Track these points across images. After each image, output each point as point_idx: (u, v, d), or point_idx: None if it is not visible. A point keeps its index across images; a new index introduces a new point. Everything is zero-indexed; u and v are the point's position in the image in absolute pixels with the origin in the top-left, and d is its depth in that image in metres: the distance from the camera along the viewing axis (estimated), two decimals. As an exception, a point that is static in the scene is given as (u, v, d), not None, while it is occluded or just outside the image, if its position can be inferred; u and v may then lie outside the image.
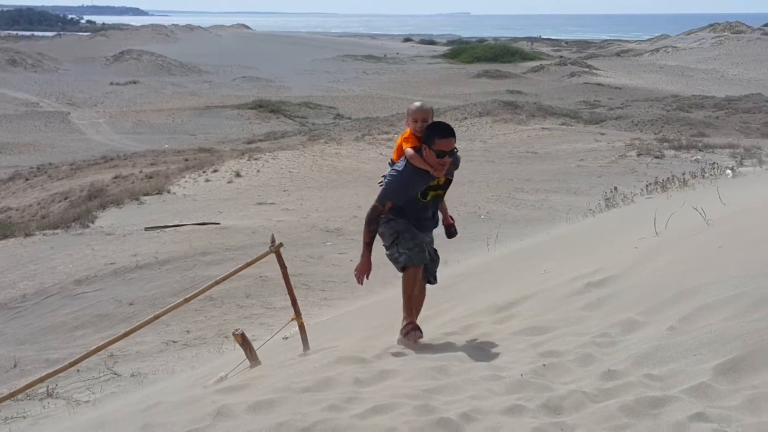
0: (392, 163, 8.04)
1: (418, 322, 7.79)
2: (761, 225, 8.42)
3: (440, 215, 8.28)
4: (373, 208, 7.72)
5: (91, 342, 12.32)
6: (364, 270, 7.90)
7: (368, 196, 24.44)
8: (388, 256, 7.89)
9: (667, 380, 5.49)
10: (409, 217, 7.84)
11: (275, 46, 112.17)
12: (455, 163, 7.84)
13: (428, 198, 7.83)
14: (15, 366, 12.92)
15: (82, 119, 56.11)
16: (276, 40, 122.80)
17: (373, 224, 7.76)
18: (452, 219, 8.41)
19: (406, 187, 7.69)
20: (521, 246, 12.35)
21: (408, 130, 7.90)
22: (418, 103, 8.08)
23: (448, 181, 7.93)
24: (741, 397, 5.03)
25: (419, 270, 7.81)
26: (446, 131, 7.55)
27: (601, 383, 5.65)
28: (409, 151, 7.62)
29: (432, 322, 8.74)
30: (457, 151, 7.69)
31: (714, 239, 8.52)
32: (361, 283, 7.97)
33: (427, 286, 8.28)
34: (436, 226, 8.14)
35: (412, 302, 7.87)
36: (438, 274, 8.32)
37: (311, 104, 62.42)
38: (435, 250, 8.21)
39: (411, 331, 7.58)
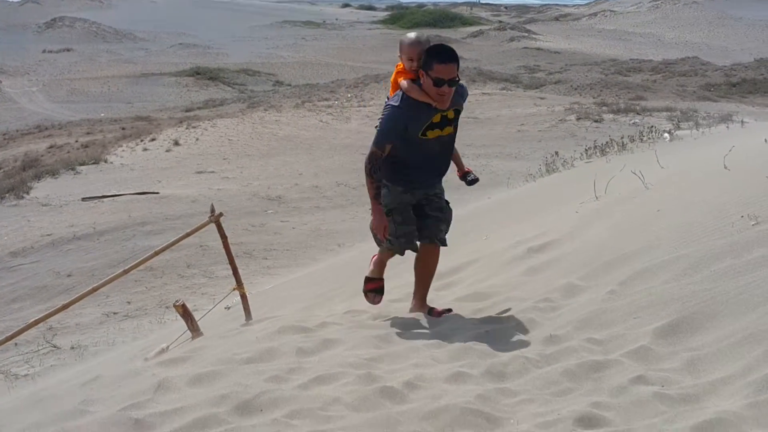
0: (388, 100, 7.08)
1: (433, 293, 7.46)
2: (698, 188, 8.50)
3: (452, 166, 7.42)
4: (371, 155, 6.84)
5: (29, 315, 12.18)
6: (380, 227, 6.94)
7: (309, 163, 24.57)
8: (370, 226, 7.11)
9: (607, 344, 5.54)
10: (406, 170, 6.97)
11: (213, 12, 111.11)
12: (462, 95, 7.01)
13: (429, 136, 6.87)
14: (-49, 340, 12.73)
15: (14, 88, 55.31)
16: (213, 6, 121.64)
17: (373, 173, 6.87)
18: (468, 168, 7.52)
19: (404, 121, 6.76)
20: (463, 212, 12.37)
21: (400, 63, 6.92)
22: (412, 35, 6.94)
23: (454, 119, 6.97)
24: (680, 359, 5.08)
25: (400, 254, 7.19)
26: (447, 56, 6.62)
27: (543, 348, 5.68)
28: (403, 83, 6.75)
29: (374, 289, 8.71)
30: (460, 80, 6.80)
31: (653, 203, 8.58)
32: (383, 240, 7.03)
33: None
34: (441, 177, 7.21)
35: (380, 268, 7.41)
36: (447, 235, 7.22)
37: (250, 71, 62.08)
38: (446, 204, 7.21)
39: (368, 291, 7.33)
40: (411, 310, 7.23)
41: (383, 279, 7.38)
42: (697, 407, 4.51)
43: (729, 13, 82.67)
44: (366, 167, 6.91)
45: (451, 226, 7.14)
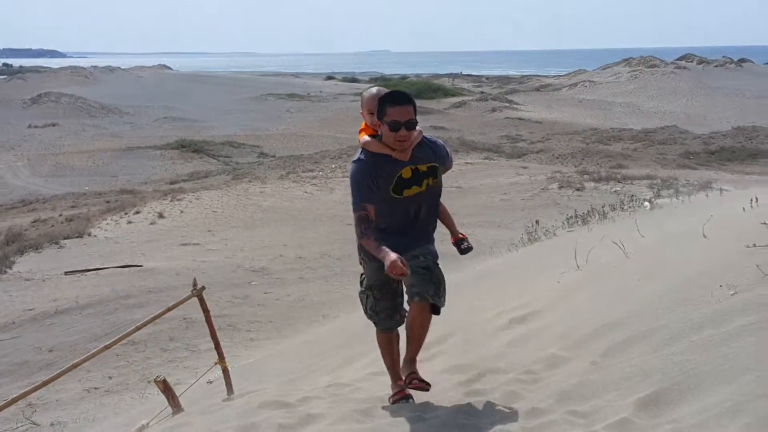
0: None
1: (423, 358, 6.94)
2: (678, 257, 8.52)
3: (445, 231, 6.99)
4: (356, 221, 6.34)
5: (9, 391, 12.07)
6: (396, 266, 6.01)
7: (293, 234, 24.58)
8: (359, 293, 6.76)
9: (590, 416, 5.51)
10: (386, 235, 6.34)
11: (197, 86, 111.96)
12: (434, 151, 6.46)
13: (405, 194, 6.34)
14: (-71, 419, 12.62)
15: (-1, 162, 55.38)
16: (198, 80, 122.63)
17: (367, 233, 6.29)
18: (462, 234, 6.99)
19: (367, 178, 6.25)
20: (446, 281, 12.39)
21: (363, 122, 6.64)
22: (374, 90, 6.62)
23: (429, 172, 6.41)
24: (662, 431, 5.06)
25: (388, 334, 6.71)
26: (400, 98, 6.16)
27: (526, 421, 5.65)
28: (362, 138, 6.44)
29: (358, 362, 8.69)
30: (417, 122, 6.26)
31: (633, 272, 8.60)
32: (405, 275, 6.08)
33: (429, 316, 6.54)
34: (430, 240, 6.61)
35: (394, 365, 6.79)
36: (442, 297, 6.42)
37: (235, 143, 62.31)
38: (433, 264, 6.42)
39: (399, 400, 6.53)
40: (402, 371, 6.67)
41: (403, 387, 6.61)
42: (680, 481, 4.49)
43: (706, 83, 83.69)
44: (357, 235, 6.42)
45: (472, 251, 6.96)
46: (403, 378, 6.59)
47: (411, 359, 6.60)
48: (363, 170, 6.29)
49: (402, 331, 6.75)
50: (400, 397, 6.54)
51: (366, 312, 6.71)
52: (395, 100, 6.13)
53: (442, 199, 6.76)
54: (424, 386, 6.42)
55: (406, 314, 6.62)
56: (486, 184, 30.62)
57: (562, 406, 5.76)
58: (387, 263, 6.10)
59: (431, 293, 6.28)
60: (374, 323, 6.71)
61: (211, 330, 9.22)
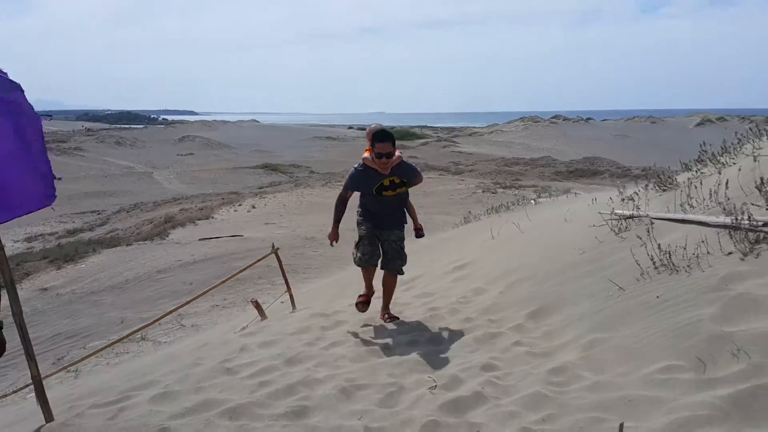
0: None
1: (391, 305, 6.54)
2: (551, 232, 8.51)
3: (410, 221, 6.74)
4: (339, 196, 6.39)
5: (167, 307, 12.04)
6: (331, 238, 6.44)
7: (329, 217, 24.55)
8: (354, 247, 6.44)
9: (499, 322, 5.52)
10: (372, 214, 6.32)
11: (274, 132, 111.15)
12: (405, 171, 6.26)
13: (382, 194, 6.21)
14: (122, 323, 12.60)
15: (160, 176, 55.03)
16: (274, 129, 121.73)
17: (339, 206, 6.37)
18: (420, 225, 6.82)
19: (359, 179, 6.21)
20: (417, 246, 12.42)
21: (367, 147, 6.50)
22: (373, 126, 6.52)
23: (400, 184, 6.23)
24: (540, 331, 5.07)
25: (367, 269, 6.30)
26: (382, 136, 6.06)
27: (462, 325, 5.65)
28: (365, 155, 6.31)
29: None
30: (394, 153, 6.14)
31: (524, 241, 8.60)
32: (332, 245, 6.55)
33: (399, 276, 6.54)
34: (398, 226, 6.36)
35: (369, 283, 6.44)
36: (403, 268, 6.37)
37: (296, 165, 61.97)
38: (400, 248, 6.33)
39: (358, 303, 6.37)
40: (381, 313, 6.41)
41: (369, 295, 6.45)
42: (550, 359, 4.50)
43: (566, 132, 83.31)
44: (336, 201, 6.39)
45: (410, 254, 6.57)
46: (382, 315, 6.36)
47: (385, 306, 6.42)
48: (357, 173, 6.22)
49: (378, 285, 6.49)
50: (362, 300, 6.35)
51: (356, 259, 6.28)
52: (380, 138, 6.04)
53: (413, 200, 6.65)
54: (395, 317, 6.24)
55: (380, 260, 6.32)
56: (440, 190, 30.45)
57: (483, 316, 5.77)
58: (330, 233, 6.45)
59: (396, 266, 6.26)
60: (361, 266, 6.26)
61: (282, 272, 9.22)
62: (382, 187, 6.22)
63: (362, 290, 6.54)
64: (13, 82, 4.13)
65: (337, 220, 6.46)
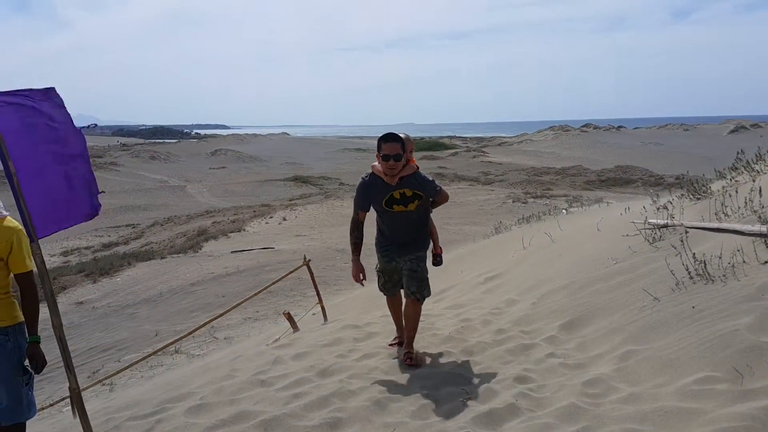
0: None
1: (422, 317, 5.89)
2: (583, 242, 8.45)
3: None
4: (352, 219, 5.58)
5: (201, 319, 12.20)
6: (354, 274, 5.54)
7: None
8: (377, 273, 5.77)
9: (532, 333, 5.49)
10: (385, 237, 5.53)
11: (304, 144, 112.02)
12: (421, 184, 5.33)
13: (394, 209, 5.35)
14: (156, 335, 12.77)
15: (193, 189, 55.71)
16: (305, 141, 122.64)
17: (353, 232, 5.56)
18: (440, 249, 5.98)
19: (366, 190, 5.40)
20: (448, 257, 12.42)
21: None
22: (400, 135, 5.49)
23: (413, 197, 5.32)
24: (574, 342, 5.04)
25: (391, 299, 5.78)
26: (389, 137, 5.28)
27: (495, 336, 5.64)
28: (374, 163, 5.54)
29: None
30: (402, 154, 5.24)
31: (556, 250, 8.55)
32: (361, 284, 5.62)
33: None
34: (417, 249, 5.44)
35: (397, 321, 5.85)
36: (424, 293, 5.41)
37: (326, 177, 62.25)
38: (418, 268, 5.40)
39: (395, 344, 5.83)
40: (401, 352, 5.51)
41: (401, 336, 5.78)
42: (584, 371, 4.47)
43: (598, 140, 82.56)
44: (350, 227, 5.63)
45: (440, 266, 6.14)
46: (403, 356, 5.37)
47: (408, 343, 5.43)
48: (363, 185, 5.40)
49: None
50: (395, 342, 5.84)
51: (378, 287, 5.75)
52: (387, 139, 5.27)
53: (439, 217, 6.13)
54: (417, 363, 5.27)
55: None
56: (470, 200, 30.36)
57: (515, 328, 5.74)
58: (353, 270, 5.54)
59: (414, 290, 5.36)
60: (384, 293, 5.76)
61: (314, 284, 9.27)
62: (393, 200, 5.38)
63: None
64: (59, 98, 4.29)
65: (356, 250, 5.60)
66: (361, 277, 5.52)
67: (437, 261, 5.95)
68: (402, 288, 5.60)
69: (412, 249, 5.47)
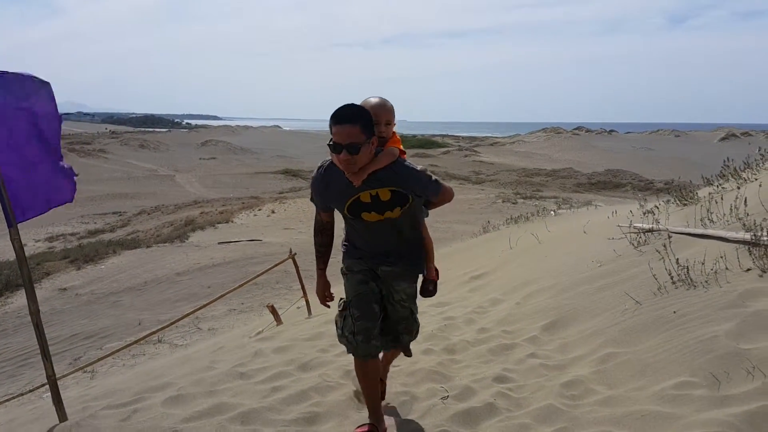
0: None
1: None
2: (569, 244, 8.49)
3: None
4: (315, 219, 3.91)
5: (185, 309, 12.15)
6: (318, 292, 3.98)
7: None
8: (335, 317, 3.84)
9: (514, 333, 5.50)
10: (358, 250, 3.84)
11: (296, 137, 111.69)
12: (405, 180, 3.55)
13: (364, 218, 3.65)
14: (139, 324, 12.70)
15: (182, 179, 55.45)
16: (296, 134, 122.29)
17: (316, 236, 3.90)
18: (435, 274, 4.12)
19: (319, 186, 3.68)
20: (437, 254, 12.41)
21: None
22: (373, 100, 3.66)
23: (393, 202, 3.59)
24: (556, 343, 5.04)
25: (364, 361, 3.73)
26: (342, 115, 3.39)
27: (477, 335, 5.64)
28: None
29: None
30: (362, 144, 3.40)
31: (542, 252, 8.58)
32: (326, 305, 4.05)
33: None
34: (407, 273, 3.82)
35: (374, 400, 3.90)
36: (414, 335, 4.04)
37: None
38: (411, 313, 3.90)
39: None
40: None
41: (376, 426, 3.88)
42: (564, 372, 4.48)
43: (590, 143, 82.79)
44: (314, 229, 3.95)
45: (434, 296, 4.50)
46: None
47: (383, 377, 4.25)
48: (315, 178, 3.68)
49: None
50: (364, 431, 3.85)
51: (342, 336, 3.74)
52: (339, 119, 3.37)
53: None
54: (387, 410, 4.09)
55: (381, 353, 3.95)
56: (460, 199, 30.39)
57: (498, 327, 5.74)
58: (316, 288, 3.97)
59: (405, 341, 4.01)
60: (351, 351, 3.73)
61: (299, 277, 9.27)
62: (359, 206, 3.62)
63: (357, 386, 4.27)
64: (43, 82, 4.26)
65: (320, 259, 3.93)
66: (327, 297, 3.97)
67: (429, 290, 4.07)
68: (386, 335, 3.90)
69: (401, 275, 3.79)
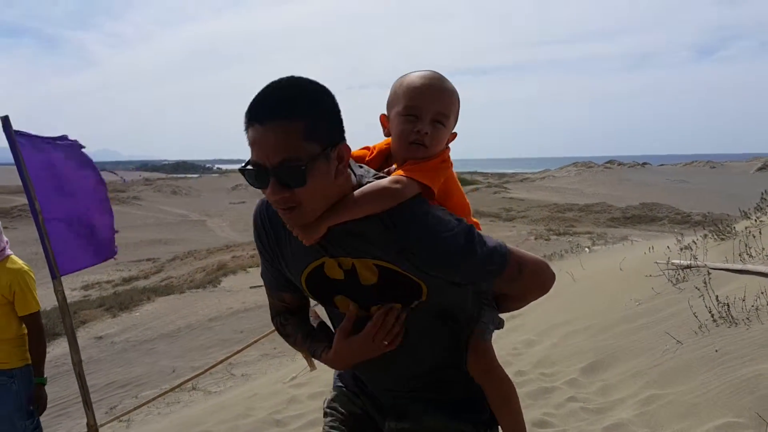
0: None
1: None
2: (605, 282, 8.41)
3: None
4: (270, 308, 2.16)
5: (218, 355, 12.20)
6: (342, 360, 1.91)
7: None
8: None
9: (552, 376, 5.44)
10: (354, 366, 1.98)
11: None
12: (420, 239, 1.58)
13: (337, 303, 1.81)
14: (173, 372, 12.78)
15: (213, 224, 56.10)
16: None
17: (288, 333, 2.09)
18: None
19: (257, 234, 1.98)
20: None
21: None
22: (418, 73, 1.79)
23: (384, 289, 1.67)
24: (596, 386, 4.98)
25: None
26: (260, 105, 1.50)
27: (515, 378, 5.55)
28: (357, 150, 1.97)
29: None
30: (304, 165, 1.51)
31: (578, 291, 8.49)
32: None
33: None
34: (420, 397, 1.92)
35: None
36: None
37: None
38: None
39: None
40: None
41: None
42: (606, 416, 4.42)
43: (623, 177, 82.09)
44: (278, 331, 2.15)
45: None
46: None
47: None
48: (255, 220, 2.04)
49: None
50: None
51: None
52: (257, 111, 1.52)
53: None
54: None
55: None
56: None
57: (535, 369, 5.69)
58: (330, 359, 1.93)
59: None
60: None
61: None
62: (324, 283, 1.82)
63: None
64: (79, 144, 4.46)
65: (306, 351, 2.08)
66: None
67: None
68: None
69: (423, 410, 1.96)
